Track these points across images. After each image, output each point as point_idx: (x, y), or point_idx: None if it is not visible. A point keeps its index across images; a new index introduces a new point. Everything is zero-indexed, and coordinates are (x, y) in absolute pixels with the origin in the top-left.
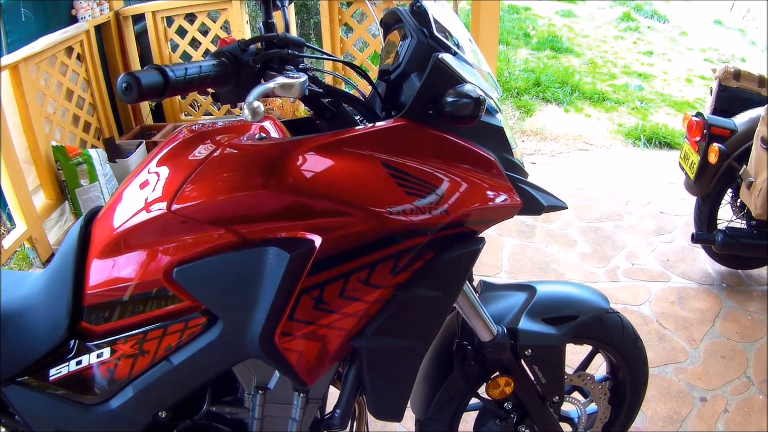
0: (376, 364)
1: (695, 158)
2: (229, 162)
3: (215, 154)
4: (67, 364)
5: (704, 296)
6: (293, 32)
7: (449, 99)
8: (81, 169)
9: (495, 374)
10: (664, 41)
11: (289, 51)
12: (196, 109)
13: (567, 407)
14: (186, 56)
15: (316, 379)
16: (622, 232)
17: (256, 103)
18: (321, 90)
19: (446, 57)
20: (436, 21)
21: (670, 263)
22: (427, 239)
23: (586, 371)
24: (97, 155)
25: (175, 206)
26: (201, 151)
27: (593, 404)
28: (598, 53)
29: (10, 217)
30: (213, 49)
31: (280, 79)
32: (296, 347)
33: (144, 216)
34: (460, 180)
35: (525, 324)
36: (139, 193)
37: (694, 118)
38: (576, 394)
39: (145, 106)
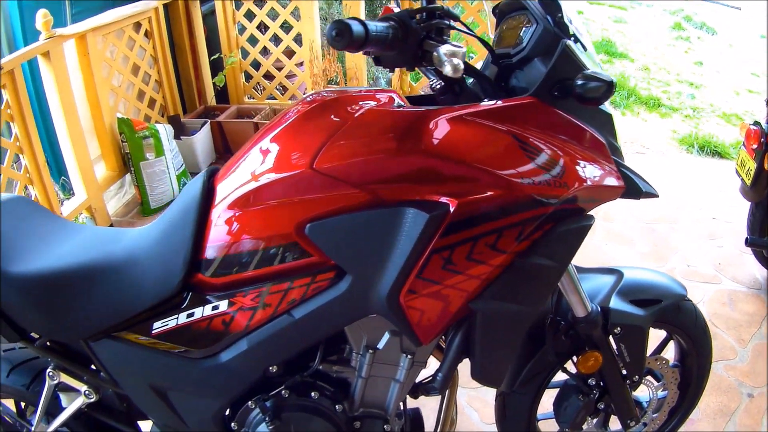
0: (488, 327)
1: (752, 165)
2: (372, 125)
3: (357, 117)
4: (176, 317)
5: (752, 300)
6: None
7: (580, 81)
8: (147, 143)
9: (585, 349)
10: (712, 53)
11: (449, 23)
12: (260, 92)
13: (638, 392)
14: (253, 40)
15: (431, 339)
16: (677, 235)
17: (456, 60)
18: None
19: (571, 44)
20: (563, 9)
21: (721, 267)
22: (550, 210)
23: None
24: (165, 130)
25: (317, 164)
26: (341, 114)
27: (663, 390)
28: (650, 59)
29: (63, 188)
30: (282, 34)
31: (448, 46)
32: (419, 305)
33: (282, 172)
34: (578, 158)
35: (615, 304)
36: (275, 151)
37: (752, 127)
38: (649, 378)
39: (210, 87)
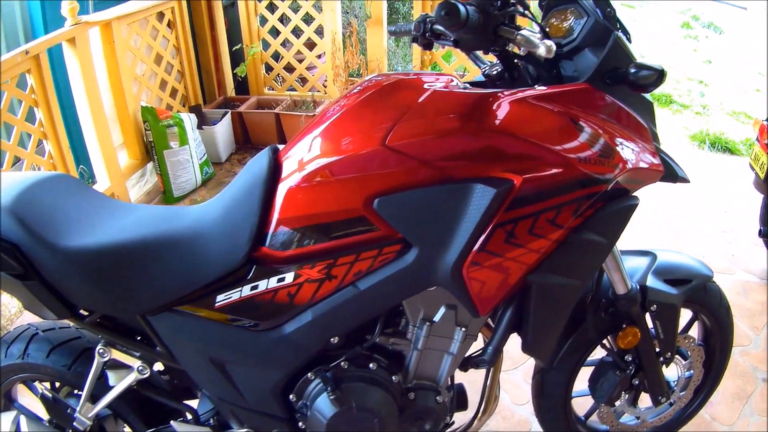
0: (542, 300)
1: (765, 159)
2: (440, 105)
3: (426, 97)
4: (239, 289)
5: (765, 290)
6: None
7: (633, 70)
8: (171, 132)
9: (624, 326)
10: (719, 52)
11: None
12: (280, 84)
13: (666, 373)
14: (274, 32)
15: (488, 310)
16: (691, 227)
17: (549, 42)
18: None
19: (621, 35)
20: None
21: (734, 258)
22: (602, 189)
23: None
24: (189, 120)
25: (389, 142)
26: (409, 94)
27: (689, 369)
28: (660, 57)
29: (81, 176)
30: (304, 26)
31: (526, 32)
32: (480, 277)
33: (354, 149)
34: (626, 141)
35: (651, 283)
36: (344, 129)
37: (765, 123)
38: (677, 356)
39: (230, 79)
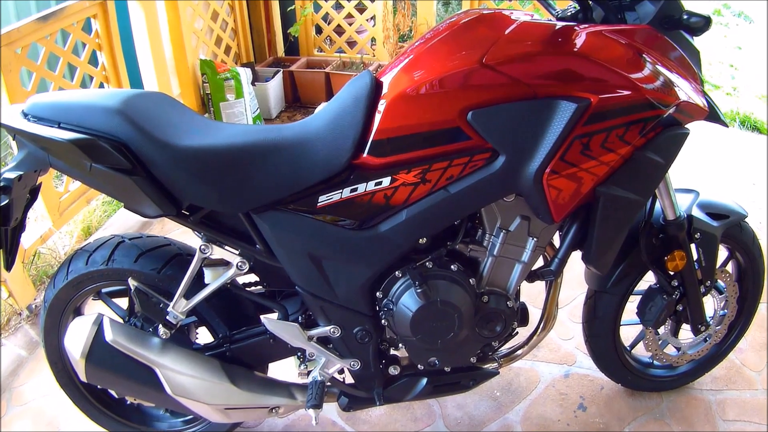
0: (608, 211)
1: None
2: (529, 31)
3: (518, 25)
4: (340, 191)
5: None
6: None
7: (687, 15)
8: (228, 85)
9: (673, 251)
10: (749, 39)
11: None
12: (329, 46)
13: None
14: None
15: (562, 217)
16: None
17: None
18: None
19: None
20: None
21: (761, 225)
22: (663, 114)
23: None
24: (245, 74)
25: (486, 61)
26: (503, 22)
27: (724, 308)
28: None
29: None
30: None
31: None
32: (558, 185)
33: (453, 67)
34: (681, 77)
35: (696, 213)
36: (444, 51)
37: None
38: (714, 293)
39: (280, 39)
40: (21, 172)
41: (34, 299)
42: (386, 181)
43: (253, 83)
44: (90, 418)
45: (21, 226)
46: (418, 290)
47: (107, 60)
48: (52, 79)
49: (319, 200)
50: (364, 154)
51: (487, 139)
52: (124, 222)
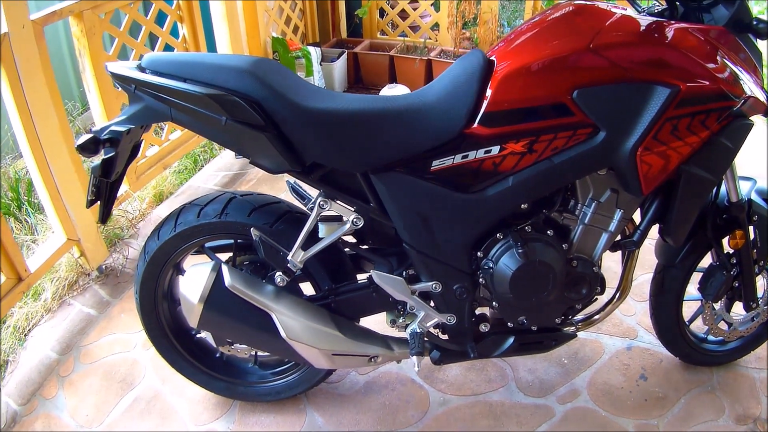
0: (687, 188)
1: None
2: (628, 23)
3: (618, 17)
4: (452, 157)
5: None
6: None
7: (755, 22)
8: (299, 63)
9: (734, 231)
10: None
11: None
12: (393, 29)
13: None
14: None
15: (650, 190)
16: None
17: None
18: None
19: None
20: None
21: None
22: (735, 105)
23: None
24: (315, 53)
25: (593, 45)
26: (607, 14)
27: None
28: None
29: None
30: None
31: None
32: (649, 161)
33: (563, 49)
34: (750, 75)
35: (755, 198)
36: (554, 34)
37: None
38: (766, 273)
39: (344, 21)
40: (132, 126)
41: (104, 261)
42: (495, 150)
43: (320, 63)
44: (177, 370)
45: (120, 181)
46: (519, 250)
47: (188, 31)
48: (134, 46)
49: (433, 164)
50: (475, 124)
51: (590, 116)
52: (195, 191)
